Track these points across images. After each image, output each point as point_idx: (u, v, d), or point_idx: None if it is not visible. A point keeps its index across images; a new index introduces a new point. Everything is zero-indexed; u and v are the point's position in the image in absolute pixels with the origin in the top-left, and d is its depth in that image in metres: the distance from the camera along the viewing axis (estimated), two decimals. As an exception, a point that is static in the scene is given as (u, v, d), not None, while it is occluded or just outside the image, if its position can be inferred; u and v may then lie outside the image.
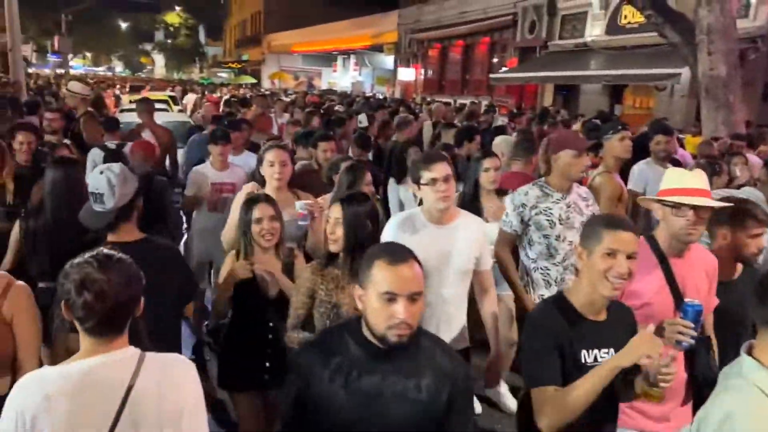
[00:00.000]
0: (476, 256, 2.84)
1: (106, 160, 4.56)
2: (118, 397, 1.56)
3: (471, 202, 3.79)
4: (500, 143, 4.85)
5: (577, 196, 3.35)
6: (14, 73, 16.16)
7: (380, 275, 1.69)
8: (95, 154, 4.91)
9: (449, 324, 2.83)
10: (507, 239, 3.39)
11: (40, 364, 2.14)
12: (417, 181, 2.77)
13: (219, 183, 4.56)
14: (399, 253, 1.73)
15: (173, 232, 4.39)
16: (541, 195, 3.29)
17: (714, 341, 2.54)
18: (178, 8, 57.29)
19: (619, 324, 2.13)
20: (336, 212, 2.52)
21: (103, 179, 2.47)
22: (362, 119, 6.87)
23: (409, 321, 1.67)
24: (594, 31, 15.82)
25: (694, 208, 2.33)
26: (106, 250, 1.69)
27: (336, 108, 11.13)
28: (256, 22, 48.08)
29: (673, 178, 2.46)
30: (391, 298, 1.66)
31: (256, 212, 2.81)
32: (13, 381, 1.92)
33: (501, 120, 8.59)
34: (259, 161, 3.68)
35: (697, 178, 2.43)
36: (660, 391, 1.95)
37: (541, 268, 3.33)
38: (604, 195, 3.89)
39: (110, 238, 2.50)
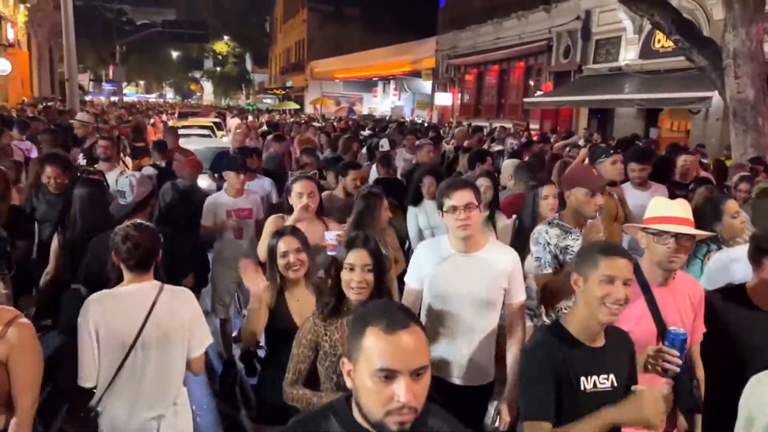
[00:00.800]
0: (504, 288, 2.74)
1: (159, 176, 5.73)
2: (146, 309, 2.55)
3: (528, 232, 3.65)
4: (507, 166, 5.08)
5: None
6: (70, 101, 17.23)
7: (374, 347, 1.37)
8: (148, 171, 5.80)
9: (474, 355, 2.75)
10: (553, 281, 3.17)
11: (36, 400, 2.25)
12: (440, 208, 2.73)
13: (236, 209, 4.66)
14: (397, 317, 1.40)
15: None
16: (560, 233, 3.22)
17: (701, 370, 2.55)
18: (226, 37, 59.43)
19: (617, 349, 2.12)
20: (361, 258, 2.38)
21: (127, 181, 3.45)
22: (384, 143, 7.19)
23: (413, 404, 1.34)
24: (628, 55, 15.84)
25: (676, 236, 2.38)
26: (138, 220, 2.85)
27: (364, 132, 11.49)
28: (299, 50, 49.51)
29: (658, 206, 2.52)
30: (388, 375, 1.34)
31: (282, 246, 2.79)
32: (9, 418, 2.17)
33: (510, 143, 8.80)
34: (287, 192, 3.72)
35: (681, 207, 2.49)
36: (658, 422, 1.92)
37: (564, 308, 3.21)
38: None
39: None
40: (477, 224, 2.72)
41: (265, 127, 14.38)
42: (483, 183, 4.21)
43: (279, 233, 2.86)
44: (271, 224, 3.73)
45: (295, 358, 2.39)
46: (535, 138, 11.48)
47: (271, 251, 2.83)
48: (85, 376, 2.50)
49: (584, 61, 17.61)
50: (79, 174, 4.72)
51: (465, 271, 2.68)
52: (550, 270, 3.17)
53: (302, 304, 2.80)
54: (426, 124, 19.85)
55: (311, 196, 3.56)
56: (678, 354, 2.22)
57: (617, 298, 1.99)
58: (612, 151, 4.31)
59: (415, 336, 1.38)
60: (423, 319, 2.75)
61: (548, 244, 3.20)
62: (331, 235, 3.30)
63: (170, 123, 19.01)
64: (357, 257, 2.38)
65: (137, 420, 2.57)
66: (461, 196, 2.67)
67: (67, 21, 17.21)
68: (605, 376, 2.05)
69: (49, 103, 17.37)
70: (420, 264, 2.80)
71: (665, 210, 2.47)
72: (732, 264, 3.03)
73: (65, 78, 18.29)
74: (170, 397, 2.64)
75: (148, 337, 2.53)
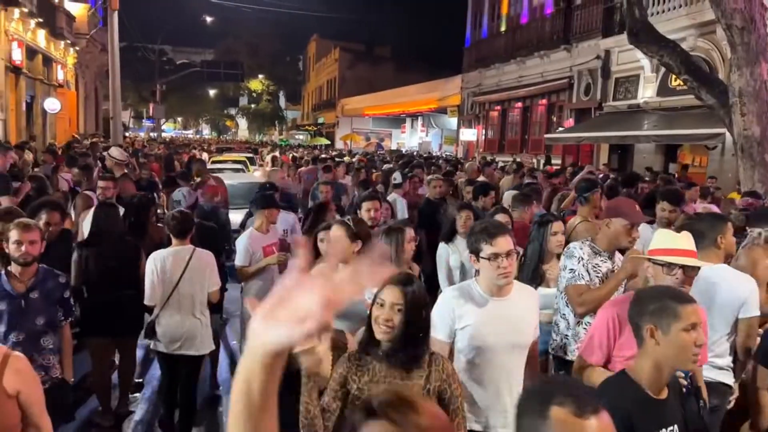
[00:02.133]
0: (535, 327, 2.77)
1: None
2: (185, 261, 4.18)
3: (534, 268, 3.79)
4: (507, 198, 5.56)
5: (617, 257, 3.41)
6: (114, 138, 18.33)
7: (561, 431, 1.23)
8: (184, 191, 7.17)
9: (513, 400, 2.62)
10: (584, 293, 3.20)
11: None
12: (476, 253, 2.61)
13: (270, 244, 4.77)
14: (587, 399, 1.27)
15: (231, 247, 5.67)
16: (591, 252, 3.31)
17: (705, 392, 2.62)
18: (260, 76, 61.52)
19: (676, 399, 2.09)
20: (394, 296, 2.24)
21: (180, 194, 6.58)
22: (396, 176, 7.73)
23: None
24: (646, 93, 16.24)
25: (683, 267, 2.50)
26: (181, 209, 4.73)
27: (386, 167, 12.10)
28: (331, 88, 50.98)
29: (663, 239, 2.62)
30: None
31: None
32: None
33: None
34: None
35: (686, 240, 2.59)
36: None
37: (585, 324, 3.29)
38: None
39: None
40: (515, 271, 2.65)
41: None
42: (503, 219, 4.29)
43: None
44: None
45: (328, 394, 2.25)
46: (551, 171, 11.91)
47: None
48: (149, 298, 4.19)
49: (604, 99, 18.04)
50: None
51: (504, 318, 2.60)
52: (582, 282, 3.23)
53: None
54: (451, 159, 20.43)
55: (338, 242, 3.36)
56: (683, 375, 2.25)
57: (700, 343, 1.98)
58: (597, 188, 4.74)
59: (605, 425, 1.23)
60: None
61: (582, 258, 3.28)
62: (371, 294, 3.24)
63: (204, 156, 20.05)
64: (389, 294, 2.25)
65: (179, 324, 4.21)
66: (503, 243, 2.55)
67: (113, 64, 18.47)
68: (671, 427, 1.99)
69: (94, 140, 18.51)
70: (453, 316, 2.62)
71: (671, 242, 2.56)
72: (714, 286, 3.14)
73: (110, 116, 19.48)
74: (198, 311, 4.27)
75: (186, 276, 4.18)
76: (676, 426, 2.00)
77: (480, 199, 5.98)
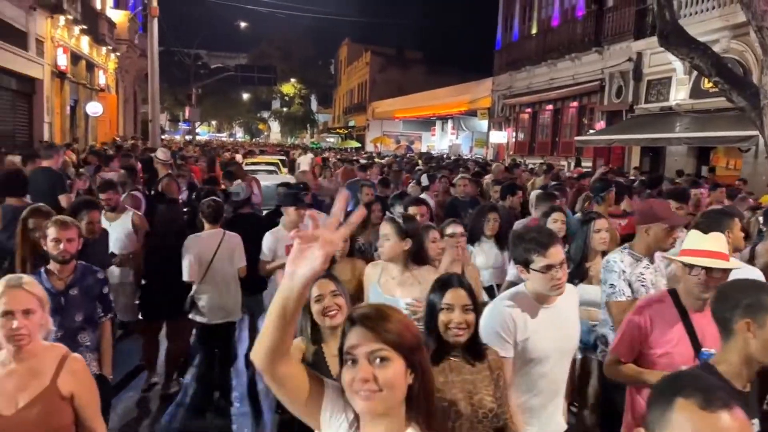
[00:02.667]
0: (579, 328, 2.74)
1: (227, 196, 7.03)
2: (217, 243, 4.86)
3: (578, 266, 3.79)
4: (533, 198, 5.74)
5: (658, 259, 3.36)
6: (153, 140, 18.96)
7: (686, 424, 1.22)
8: (242, 186, 7.45)
9: (559, 408, 2.69)
10: (627, 309, 2.98)
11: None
12: (526, 264, 2.52)
13: (290, 244, 5.24)
14: (718, 394, 1.25)
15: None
16: (633, 261, 3.25)
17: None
18: (293, 80, 62.36)
19: (755, 393, 2.10)
20: (461, 298, 2.27)
21: (240, 187, 6.44)
22: (423, 179, 7.95)
23: None
24: (678, 95, 16.11)
25: (706, 269, 2.48)
26: (213, 197, 5.15)
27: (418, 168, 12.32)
28: (362, 91, 51.40)
29: (693, 240, 2.60)
30: None
31: (315, 290, 2.60)
32: None
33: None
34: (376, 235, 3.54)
35: (715, 241, 2.56)
36: None
37: None
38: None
39: None
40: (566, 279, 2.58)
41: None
42: (558, 218, 4.41)
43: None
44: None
45: None
46: (576, 174, 11.99)
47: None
48: (187, 275, 4.76)
49: (636, 101, 17.94)
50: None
51: (555, 325, 2.57)
52: (623, 299, 3.14)
53: None
54: (481, 161, 20.55)
55: (387, 240, 3.30)
56: None
57: None
58: (611, 187, 4.89)
59: (739, 421, 1.21)
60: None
61: (623, 272, 3.20)
62: (406, 303, 2.98)
63: (237, 157, 20.62)
64: (456, 297, 2.27)
65: (215, 296, 4.79)
66: (556, 254, 2.48)
67: (153, 69, 19.11)
68: (753, 421, 1.97)
69: (134, 142, 19.18)
70: (514, 327, 2.52)
71: (699, 243, 2.55)
72: None
73: (148, 119, 20.15)
74: (230, 285, 4.90)
75: (218, 255, 4.81)
76: (756, 420, 2.00)
77: (507, 199, 6.16)
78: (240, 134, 78.69)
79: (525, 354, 2.55)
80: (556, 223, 4.31)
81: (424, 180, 7.87)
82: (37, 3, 16.70)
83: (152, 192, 7.71)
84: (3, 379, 2.30)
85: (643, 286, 3.20)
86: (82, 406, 2.39)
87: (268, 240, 4.82)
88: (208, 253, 4.80)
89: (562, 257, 2.50)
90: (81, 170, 10.25)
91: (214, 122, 74.59)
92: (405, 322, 1.49)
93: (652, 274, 3.23)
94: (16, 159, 9.35)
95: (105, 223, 5.16)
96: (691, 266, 2.51)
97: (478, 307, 2.34)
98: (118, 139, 22.14)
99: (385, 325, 1.42)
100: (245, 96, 65.47)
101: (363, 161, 15.31)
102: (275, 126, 73.76)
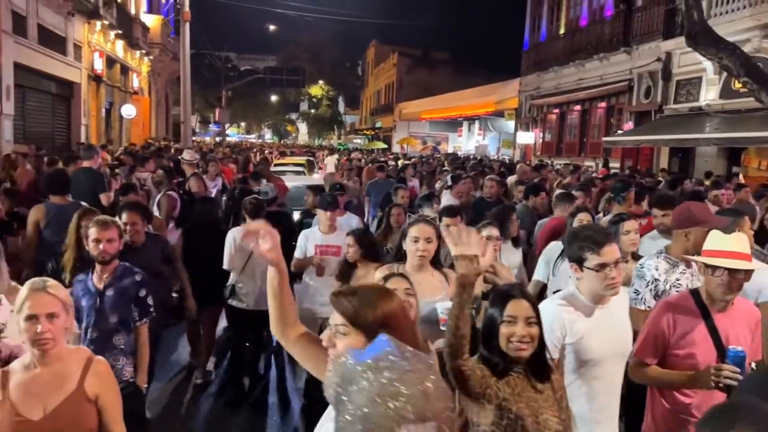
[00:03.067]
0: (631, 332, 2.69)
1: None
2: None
3: None
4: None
5: (694, 264, 3.24)
6: (185, 141, 19.43)
7: None
8: (270, 186, 7.78)
9: (617, 410, 2.65)
10: (644, 318, 2.96)
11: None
12: (579, 262, 2.50)
13: (324, 245, 4.89)
14: None
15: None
16: (669, 267, 3.20)
17: None
18: (321, 81, 62.90)
19: None
20: (523, 310, 2.17)
21: (268, 188, 6.69)
22: (447, 179, 8.08)
23: None
24: (708, 96, 15.92)
25: (730, 270, 2.47)
26: (254, 197, 5.46)
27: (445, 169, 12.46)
28: (389, 93, 51.58)
29: (715, 240, 2.58)
30: None
31: (390, 286, 2.54)
32: None
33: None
34: (402, 236, 3.37)
35: (737, 242, 2.54)
36: None
37: None
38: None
39: None
40: (622, 278, 2.53)
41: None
42: (584, 218, 4.44)
43: (386, 278, 2.74)
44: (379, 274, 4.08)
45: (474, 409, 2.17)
46: (601, 175, 11.99)
47: None
48: (227, 264, 5.07)
49: (665, 102, 17.76)
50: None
51: (609, 327, 2.52)
52: (642, 307, 3.12)
53: None
54: (507, 162, 20.58)
55: (428, 242, 3.20)
56: (739, 371, 2.29)
57: None
58: (631, 187, 4.97)
59: None
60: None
61: (656, 280, 3.16)
62: (443, 308, 2.83)
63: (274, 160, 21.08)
64: (518, 309, 2.17)
65: (255, 284, 5.01)
66: (611, 252, 2.44)
67: (184, 72, 19.60)
68: None
69: (166, 143, 19.73)
70: (563, 329, 2.48)
71: (721, 244, 2.53)
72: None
73: (180, 120, 20.66)
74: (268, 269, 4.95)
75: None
76: None
77: (531, 199, 6.26)
78: (268, 136, 79.57)
79: (579, 355, 2.48)
80: (628, 234, 4.08)
81: (448, 180, 7.99)
82: (76, 9, 17.30)
83: (181, 191, 8.01)
84: (29, 383, 2.29)
85: (678, 292, 3.10)
86: (105, 408, 2.39)
87: (300, 239, 5.02)
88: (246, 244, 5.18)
89: (617, 256, 2.46)
90: (116, 171, 10.64)
91: (243, 124, 75.58)
92: (372, 299, 1.63)
93: (688, 279, 3.17)
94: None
95: None
96: (714, 267, 2.49)
97: (541, 320, 2.20)
98: (150, 140, 22.74)
99: (344, 302, 1.63)
100: (274, 98, 66.26)
101: (392, 162, 15.56)
102: (303, 127, 74.43)
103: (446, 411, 1.28)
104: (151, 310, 3.61)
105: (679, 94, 17.36)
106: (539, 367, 2.21)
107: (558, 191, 6.22)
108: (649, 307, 3.11)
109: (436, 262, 3.29)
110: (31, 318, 2.26)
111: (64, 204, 5.60)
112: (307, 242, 4.92)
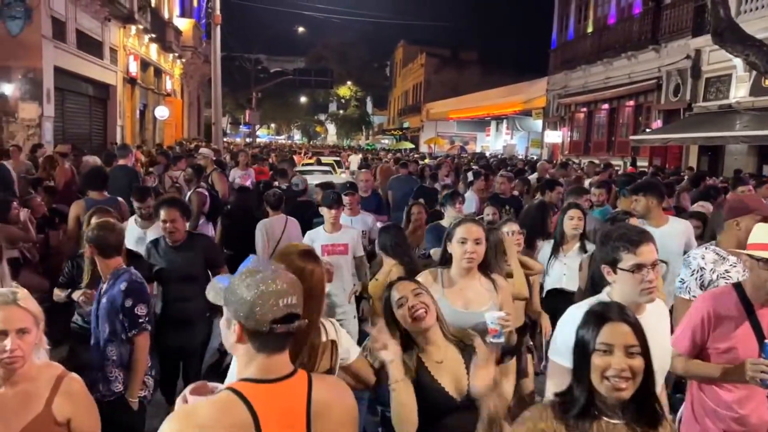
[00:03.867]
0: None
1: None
2: (283, 225, 5.80)
3: None
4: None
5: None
6: (216, 141, 19.94)
7: None
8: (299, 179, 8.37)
9: None
10: (686, 306, 2.88)
11: None
12: (613, 264, 2.29)
13: (330, 245, 4.74)
14: None
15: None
16: (717, 259, 3.11)
17: None
18: (349, 82, 63.36)
19: None
20: (623, 337, 1.73)
21: (299, 180, 7.58)
22: (470, 175, 8.25)
23: None
24: (738, 93, 15.70)
25: None
26: (276, 187, 6.84)
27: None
28: (417, 93, 51.73)
29: (761, 233, 2.51)
30: None
31: (395, 293, 2.39)
32: None
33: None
34: (448, 237, 2.95)
35: None
36: None
37: None
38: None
39: None
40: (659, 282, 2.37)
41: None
42: (575, 214, 4.48)
43: (390, 284, 2.48)
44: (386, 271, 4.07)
45: None
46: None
47: (387, 305, 2.40)
48: (261, 252, 5.38)
49: (694, 100, 17.56)
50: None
51: (650, 338, 2.15)
52: (687, 296, 3.06)
53: (447, 362, 2.35)
54: (533, 161, 20.58)
55: (477, 243, 2.85)
56: None
57: None
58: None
59: None
60: None
61: (702, 269, 3.08)
62: (493, 318, 2.56)
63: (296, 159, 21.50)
64: (615, 335, 1.73)
65: None
66: (648, 252, 2.25)
67: (216, 74, 20.12)
68: None
69: (197, 143, 20.24)
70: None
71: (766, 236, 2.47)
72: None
73: (212, 122, 21.24)
74: None
75: (285, 235, 5.55)
76: None
77: (546, 194, 6.39)
78: (298, 136, 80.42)
79: None
80: (572, 220, 4.43)
81: (470, 176, 8.16)
82: (112, 14, 17.91)
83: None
84: None
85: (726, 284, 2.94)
86: (79, 429, 2.19)
87: (305, 241, 4.75)
88: (277, 233, 5.65)
89: (655, 257, 2.25)
90: (150, 169, 11.06)
91: (273, 125, 76.54)
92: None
93: (739, 272, 3.04)
94: (92, 159, 10.24)
95: (139, 231, 5.04)
96: (762, 260, 2.41)
97: (648, 350, 1.76)
98: (183, 141, 23.35)
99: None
100: (303, 99, 66.97)
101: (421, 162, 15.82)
102: (332, 128, 75.04)
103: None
104: (141, 321, 3.29)
105: (709, 91, 17.16)
106: (645, 410, 1.74)
107: (571, 186, 6.33)
108: (693, 296, 3.04)
109: (485, 267, 2.97)
110: (0, 334, 2.05)
111: (102, 199, 5.93)
112: (313, 243, 4.61)
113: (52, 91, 14.24)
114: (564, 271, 4.45)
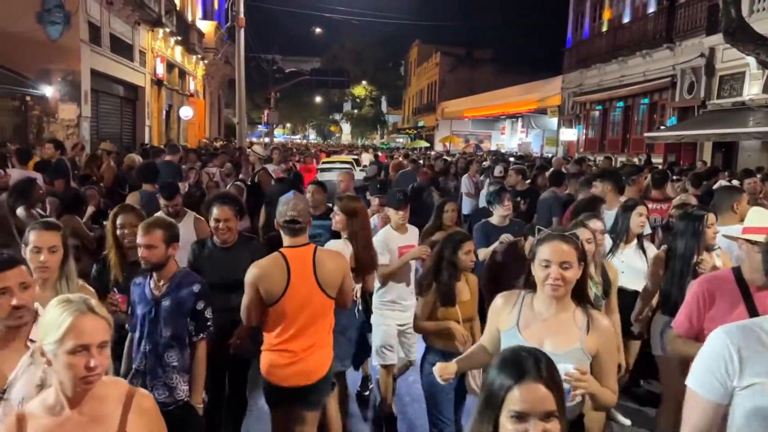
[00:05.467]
0: None
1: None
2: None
3: (687, 263, 3.59)
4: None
5: None
6: (240, 141, 20.58)
7: None
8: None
9: None
10: None
11: None
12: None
13: (405, 246, 4.54)
14: None
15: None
16: None
17: None
18: (364, 82, 63.87)
19: None
20: (543, 400, 1.50)
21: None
22: (498, 169, 8.76)
23: None
24: (752, 90, 16.02)
25: None
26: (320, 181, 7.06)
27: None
28: (431, 92, 52.09)
29: (758, 217, 2.61)
30: None
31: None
32: None
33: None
34: (531, 256, 2.47)
35: None
36: None
37: None
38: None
39: None
40: None
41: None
42: (643, 211, 4.44)
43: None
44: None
45: None
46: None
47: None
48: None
49: (708, 97, 17.88)
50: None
51: None
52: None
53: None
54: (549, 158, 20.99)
55: (567, 269, 2.34)
56: None
57: None
58: (642, 172, 5.54)
59: None
60: None
61: None
62: (565, 370, 2.04)
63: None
64: (532, 395, 1.49)
65: None
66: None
67: (240, 75, 20.74)
68: None
69: (226, 142, 20.97)
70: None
71: (763, 220, 2.56)
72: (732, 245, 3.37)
73: (235, 122, 21.88)
74: None
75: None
76: None
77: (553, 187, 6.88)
78: (312, 136, 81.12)
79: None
80: (641, 216, 4.36)
81: (497, 170, 8.66)
82: (142, 18, 18.61)
83: (249, 183, 8.96)
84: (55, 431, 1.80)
85: None
86: None
87: (379, 243, 4.43)
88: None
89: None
90: (190, 165, 11.68)
91: (288, 125, 77.28)
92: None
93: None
94: (136, 157, 10.87)
95: None
96: (757, 243, 2.46)
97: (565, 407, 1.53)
98: (205, 140, 24.04)
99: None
100: (317, 99, 67.61)
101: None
102: (346, 127, 75.63)
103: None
104: (209, 324, 3.28)
105: (723, 89, 17.47)
106: None
107: (582, 178, 6.79)
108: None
109: (580, 297, 2.41)
110: (80, 349, 1.76)
111: (153, 191, 6.48)
112: (389, 245, 4.44)
113: (89, 93, 14.93)
114: (622, 269, 4.22)
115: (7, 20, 12.94)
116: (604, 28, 24.94)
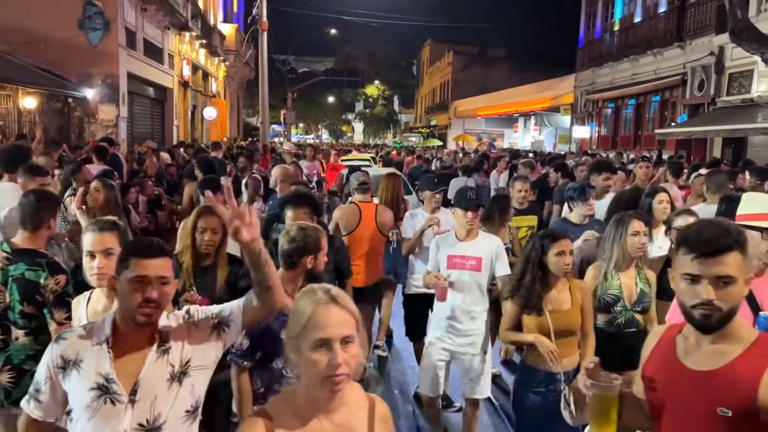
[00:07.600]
0: None
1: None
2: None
3: None
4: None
5: None
6: (263, 140, 21.42)
7: None
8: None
9: None
10: None
11: None
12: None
13: (460, 257, 4.06)
14: None
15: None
16: None
17: None
18: (376, 81, 64.46)
19: None
20: None
21: (353, 175, 7.46)
22: (521, 168, 9.44)
23: None
24: (760, 87, 16.54)
25: None
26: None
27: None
28: (444, 90, 52.54)
29: (752, 202, 2.57)
30: None
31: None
32: None
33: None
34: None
35: None
36: None
37: None
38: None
39: None
40: None
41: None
42: (663, 198, 4.49)
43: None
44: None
45: None
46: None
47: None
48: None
49: (718, 94, 18.41)
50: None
51: None
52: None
53: None
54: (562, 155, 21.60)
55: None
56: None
57: None
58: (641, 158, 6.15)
59: None
60: None
61: None
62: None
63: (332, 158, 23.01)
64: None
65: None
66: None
67: (262, 77, 21.57)
68: None
69: (245, 141, 21.82)
70: None
71: (759, 206, 2.53)
72: None
73: (256, 122, 22.75)
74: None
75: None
76: None
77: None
78: (325, 136, 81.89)
79: None
80: (661, 203, 4.46)
81: (521, 169, 9.34)
82: (171, 23, 19.46)
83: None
84: None
85: None
86: None
87: (431, 249, 4.11)
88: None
89: None
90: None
91: (301, 124, 78.09)
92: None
93: None
94: (164, 155, 11.65)
95: None
96: (757, 229, 2.43)
97: None
98: (226, 139, 24.87)
99: None
100: (331, 99, 68.32)
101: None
102: (359, 127, 76.32)
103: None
104: None
105: (732, 86, 17.99)
106: None
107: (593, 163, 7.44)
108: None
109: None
110: (323, 344, 1.57)
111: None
112: (438, 251, 3.95)
113: (126, 95, 15.77)
114: (660, 254, 4.11)
115: (52, 28, 13.80)
116: (616, 27, 25.50)
